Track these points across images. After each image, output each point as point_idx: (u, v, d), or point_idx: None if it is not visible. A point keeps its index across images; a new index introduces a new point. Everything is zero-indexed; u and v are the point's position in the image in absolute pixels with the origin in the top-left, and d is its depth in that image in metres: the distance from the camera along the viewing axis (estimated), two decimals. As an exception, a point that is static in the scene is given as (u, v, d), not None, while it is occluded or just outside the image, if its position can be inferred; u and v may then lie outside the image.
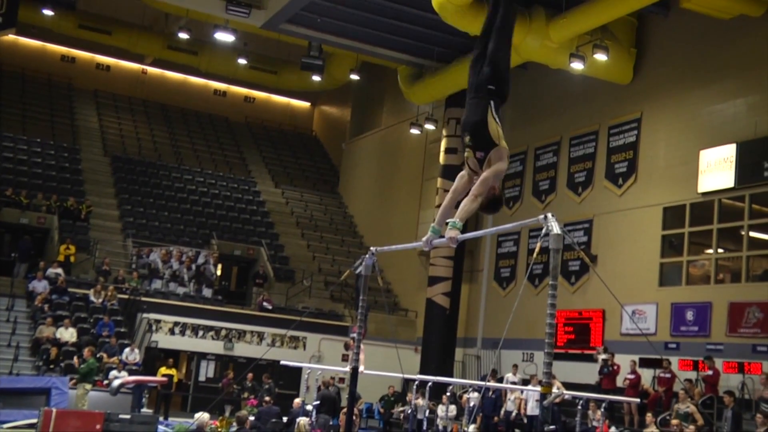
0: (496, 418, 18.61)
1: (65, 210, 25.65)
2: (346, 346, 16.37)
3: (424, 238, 6.33)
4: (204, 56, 30.95)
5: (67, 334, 20.04)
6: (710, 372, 16.06)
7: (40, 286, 21.78)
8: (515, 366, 19.80)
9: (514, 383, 18.77)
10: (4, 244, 24.95)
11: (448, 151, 24.40)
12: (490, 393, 18.37)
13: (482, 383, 16.15)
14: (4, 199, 24.80)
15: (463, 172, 6.08)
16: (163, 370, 20.71)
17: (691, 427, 13.80)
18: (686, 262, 18.52)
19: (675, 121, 19.31)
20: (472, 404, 16.54)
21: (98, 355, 19.46)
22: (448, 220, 6.11)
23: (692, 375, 16.68)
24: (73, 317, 20.86)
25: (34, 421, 16.04)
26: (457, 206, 6.03)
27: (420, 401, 17.10)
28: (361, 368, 13.27)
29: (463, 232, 6.21)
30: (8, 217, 24.49)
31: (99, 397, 17.65)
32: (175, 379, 21.34)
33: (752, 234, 17.30)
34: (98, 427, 15.76)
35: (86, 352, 18.35)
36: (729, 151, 17.44)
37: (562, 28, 18.66)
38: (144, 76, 36.31)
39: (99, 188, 28.60)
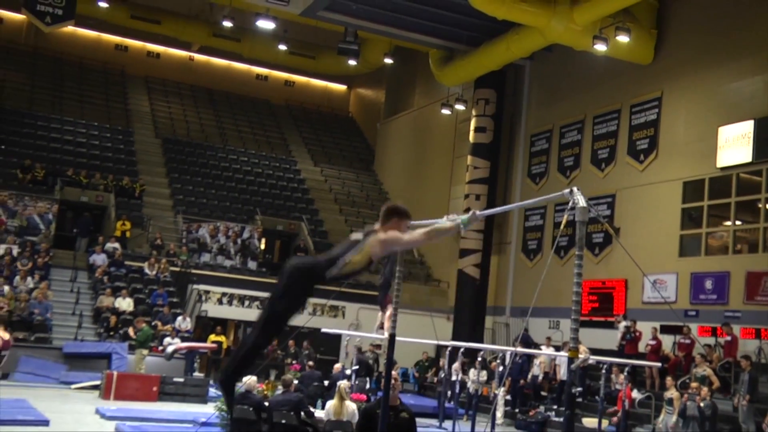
0: (522, 381, 18.65)
1: (121, 189, 25.99)
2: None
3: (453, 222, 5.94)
4: (246, 43, 31.02)
5: (125, 304, 20.40)
6: (728, 338, 15.93)
7: (99, 259, 22.17)
8: (548, 338, 19.67)
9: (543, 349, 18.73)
10: (66, 221, 25.36)
11: (477, 129, 24.29)
12: (518, 358, 18.38)
13: (511, 348, 16.17)
14: (66, 179, 25.19)
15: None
16: (212, 337, 21.01)
17: (705, 389, 13.72)
18: (705, 234, 18.32)
19: (694, 99, 19.02)
20: (500, 369, 16.57)
21: (153, 323, 19.81)
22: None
23: (711, 341, 16.55)
24: (129, 288, 21.21)
25: (98, 383, 16.44)
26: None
27: (456, 366, 17.13)
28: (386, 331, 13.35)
29: (492, 207, 6.15)
30: (69, 196, 24.88)
31: (155, 362, 18.02)
32: (224, 346, 21.64)
33: (769, 206, 17.07)
34: (155, 389, 16.12)
35: (138, 322, 18.63)
36: (746, 127, 17.18)
37: (586, 12, 18.44)
38: (191, 63, 36.49)
39: (151, 168, 28.91)
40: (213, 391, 16.86)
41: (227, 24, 26.96)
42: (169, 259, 23.23)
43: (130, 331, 18.92)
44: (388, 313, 13.13)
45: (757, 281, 16.51)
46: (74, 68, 33.40)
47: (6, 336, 14.32)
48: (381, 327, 14.91)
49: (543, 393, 18.39)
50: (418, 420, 17.37)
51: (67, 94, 31.65)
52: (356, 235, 5.39)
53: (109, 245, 22.76)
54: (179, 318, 20.34)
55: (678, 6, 19.65)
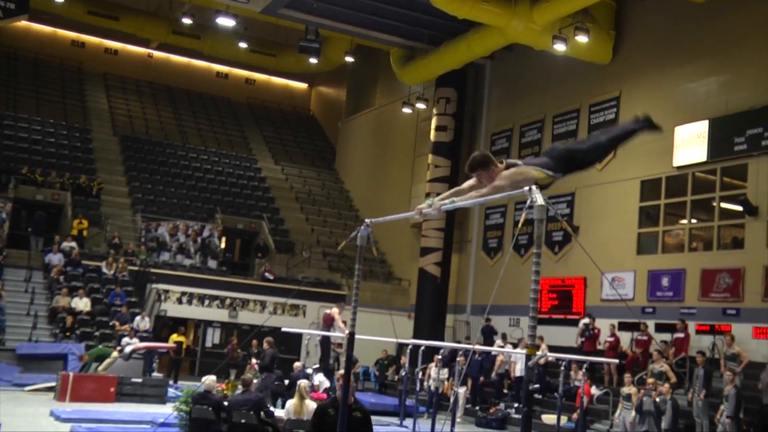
0: (482, 379, 18.75)
1: (78, 187, 25.58)
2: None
3: (417, 207, 6.25)
4: (207, 40, 30.72)
5: (82, 304, 20.08)
6: (681, 334, 16.18)
7: (55, 258, 21.78)
8: (504, 334, 19.86)
9: (501, 347, 18.86)
10: (21, 220, 24.88)
11: (438, 128, 24.36)
12: (477, 356, 18.47)
13: (470, 347, 16.23)
14: (21, 176, 24.72)
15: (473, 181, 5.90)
16: (174, 337, 20.77)
17: (666, 385, 13.94)
18: (662, 232, 18.59)
19: (651, 99, 19.27)
20: (459, 368, 16.65)
21: (111, 323, 19.51)
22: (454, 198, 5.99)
23: (667, 337, 16.80)
24: (87, 288, 20.88)
25: (53, 384, 16.13)
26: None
27: (433, 371, 17.10)
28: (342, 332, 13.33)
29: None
30: (24, 194, 24.43)
31: (113, 364, 17.69)
32: (184, 346, 21.41)
33: (723, 205, 17.36)
34: (112, 390, 15.87)
35: (83, 358, 17.37)
36: (702, 127, 17.47)
37: (546, 11, 18.58)
38: (150, 60, 36.06)
39: (109, 166, 28.50)
40: (172, 392, 16.66)
41: (187, 21, 26.64)
42: (128, 259, 22.92)
43: (83, 360, 17.92)
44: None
45: (711, 278, 16.81)
46: (29, 64, 32.79)
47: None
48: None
49: (504, 390, 18.50)
50: (379, 418, 17.40)
51: (21, 90, 31.05)
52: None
53: (66, 244, 22.37)
54: (138, 318, 20.08)
55: (636, 7, 19.91)
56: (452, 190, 6.15)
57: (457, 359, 16.07)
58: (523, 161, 6.01)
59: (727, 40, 17.46)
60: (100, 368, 16.90)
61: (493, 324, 20.79)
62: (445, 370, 17.99)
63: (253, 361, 16.91)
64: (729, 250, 17.00)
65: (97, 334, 19.36)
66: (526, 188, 5.65)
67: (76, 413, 13.22)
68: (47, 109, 30.48)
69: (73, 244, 22.50)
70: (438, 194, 5.96)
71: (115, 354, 17.37)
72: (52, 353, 18.08)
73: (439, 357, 17.67)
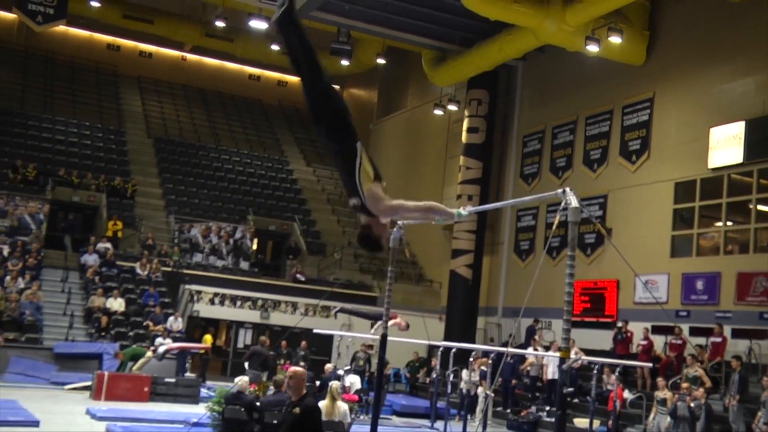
0: (514, 381, 18.65)
1: (113, 189, 25.90)
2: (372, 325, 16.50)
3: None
4: (239, 43, 30.96)
5: (116, 304, 20.33)
6: (718, 338, 15.97)
7: (90, 259, 22.09)
8: (533, 339, 19.72)
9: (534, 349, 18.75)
10: (58, 221, 25.28)
11: (470, 130, 24.29)
12: (509, 358, 18.37)
13: (503, 349, 16.15)
14: (57, 178, 25.10)
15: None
16: (208, 337, 20.92)
17: (701, 389, 13.75)
18: (696, 235, 18.36)
19: (686, 100, 19.06)
20: (483, 369, 16.59)
21: (144, 323, 19.73)
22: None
23: (702, 341, 16.57)
24: (121, 288, 21.14)
25: (89, 383, 16.36)
26: None
27: (464, 373, 17.03)
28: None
29: (484, 204, 6.17)
30: (61, 196, 24.80)
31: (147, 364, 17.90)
32: (209, 344, 21.50)
33: (760, 207, 17.09)
34: (146, 389, 16.05)
35: (119, 356, 17.76)
36: (738, 128, 17.20)
37: (579, 12, 18.44)
38: (184, 63, 36.39)
39: (143, 168, 28.82)
40: (204, 392, 16.80)
41: (220, 24, 26.90)
42: (161, 259, 23.16)
43: (119, 358, 18.09)
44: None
45: (747, 282, 16.54)
46: (66, 68, 33.26)
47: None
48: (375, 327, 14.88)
49: (536, 393, 18.39)
50: (410, 420, 17.36)
51: (58, 93, 31.52)
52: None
53: (101, 245, 22.67)
54: (171, 318, 20.27)
55: (670, 7, 19.68)
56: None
57: (488, 361, 16.02)
58: (348, 190, 5.45)
59: (764, 40, 17.18)
60: (135, 367, 17.11)
61: (522, 331, 20.65)
62: (477, 372, 17.93)
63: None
64: (766, 254, 16.73)
65: (131, 334, 19.58)
66: (559, 191, 5.63)
67: (111, 412, 13.40)
68: (83, 111, 30.92)
69: (108, 245, 22.80)
70: (470, 197, 5.96)
71: (149, 354, 17.57)
72: (87, 352, 18.34)
73: (471, 359, 17.57)
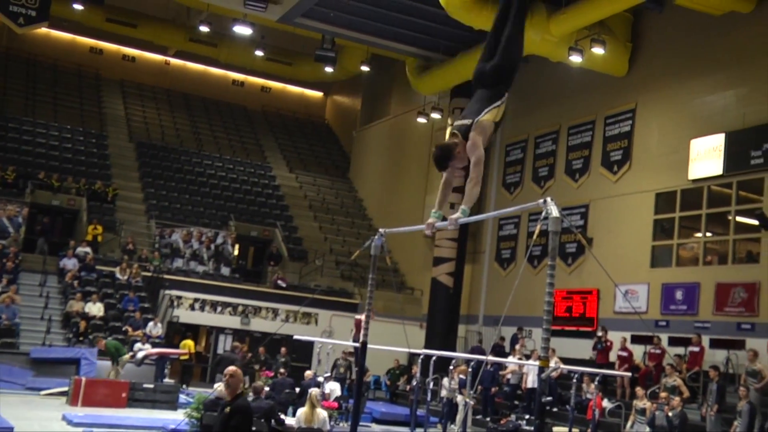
0: (494, 390, 18.67)
1: (93, 193, 25.74)
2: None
3: (426, 222, 6.30)
4: (223, 48, 30.90)
5: (95, 309, 20.17)
6: (697, 348, 16.07)
7: (70, 263, 21.91)
8: (514, 348, 19.78)
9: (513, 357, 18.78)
10: (37, 225, 25.05)
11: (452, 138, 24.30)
12: (489, 366, 18.40)
13: (483, 357, 16.16)
14: (37, 181, 24.89)
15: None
16: (185, 342, 20.81)
17: (677, 398, 13.83)
18: (676, 245, 18.48)
19: (667, 111, 19.21)
20: (462, 377, 16.59)
21: (123, 329, 19.58)
22: (461, 206, 6.07)
23: (680, 351, 16.68)
24: (100, 293, 20.99)
25: (66, 389, 16.20)
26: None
27: (445, 381, 17.01)
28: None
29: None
30: (41, 199, 24.60)
31: (125, 368, 17.78)
32: (192, 350, 21.41)
33: (739, 219, 17.24)
34: (124, 395, 15.92)
35: (99, 342, 17.98)
36: (718, 140, 17.35)
37: (562, 23, 18.55)
38: (167, 67, 36.28)
39: (125, 172, 28.65)
40: (183, 398, 16.69)
41: (204, 29, 26.84)
42: (141, 264, 23.02)
43: (99, 345, 18.26)
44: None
45: (726, 292, 16.67)
46: (48, 71, 33.05)
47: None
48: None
49: (515, 402, 18.41)
50: (389, 428, 17.31)
51: (40, 96, 31.31)
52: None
53: (80, 249, 22.50)
54: (150, 323, 20.13)
55: (653, 20, 19.84)
56: (441, 193, 6.21)
57: (468, 369, 16.01)
58: (463, 113, 6.15)
59: (745, 53, 17.38)
60: (111, 374, 16.97)
61: (504, 336, 20.71)
62: (457, 380, 17.93)
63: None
64: (744, 264, 16.89)
65: (102, 348, 19.39)
66: (541, 201, 5.66)
67: (88, 418, 13.27)
68: (65, 115, 30.72)
69: (88, 249, 22.63)
70: (452, 205, 5.97)
71: (126, 357, 17.45)
72: (65, 357, 18.16)
73: (451, 367, 17.57)
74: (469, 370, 15.93)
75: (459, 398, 16.52)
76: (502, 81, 6.16)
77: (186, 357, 20.38)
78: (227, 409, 6.38)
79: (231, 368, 6.60)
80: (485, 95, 5.97)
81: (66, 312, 20.16)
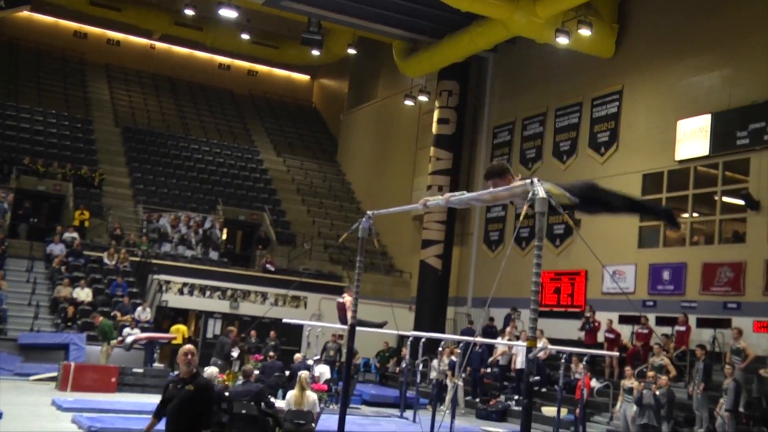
0: (482, 371, 18.79)
1: (79, 178, 25.58)
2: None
3: (422, 199, 6.35)
4: (209, 32, 30.71)
5: (83, 294, 20.11)
6: (683, 328, 16.21)
7: (57, 249, 21.81)
8: (504, 330, 19.89)
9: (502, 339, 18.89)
10: (20, 210, 24.89)
11: (440, 121, 24.35)
12: (478, 348, 18.50)
13: (471, 338, 16.24)
14: (22, 167, 24.72)
15: None
16: (181, 328, 20.83)
17: (664, 377, 13.96)
18: (663, 226, 18.57)
19: (654, 93, 19.26)
20: (452, 359, 16.69)
21: (112, 314, 19.55)
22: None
23: (668, 330, 16.81)
24: (88, 278, 20.91)
25: (55, 374, 16.18)
26: None
27: (435, 362, 17.05)
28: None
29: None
30: (26, 185, 24.44)
31: (114, 352, 17.79)
32: (187, 335, 21.38)
33: (725, 199, 17.35)
34: (113, 380, 15.93)
35: (95, 317, 18.30)
36: (704, 121, 17.44)
37: (549, 5, 18.55)
38: (152, 51, 36.02)
39: (111, 157, 28.49)
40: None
41: (189, 12, 26.64)
42: (129, 249, 22.96)
43: (96, 322, 18.47)
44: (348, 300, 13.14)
45: (712, 272, 16.81)
46: (31, 55, 32.74)
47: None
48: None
49: (504, 383, 18.53)
50: (379, 410, 17.40)
51: (23, 81, 31.02)
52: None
53: (67, 235, 22.39)
54: (139, 308, 20.10)
55: (639, 1, 19.86)
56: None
57: (458, 351, 16.09)
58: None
59: (731, 35, 17.44)
60: (103, 357, 16.97)
61: (494, 317, 20.82)
62: (446, 361, 18.04)
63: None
64: (730, 244, 17.03)
65: (98, 324, 19.37)
66: (528, 181, 5.67)
67: (77, 403, 13.27)
68: (49, 99, 30.47)
69: (75, 234, 22.52)
70: (440, 187, 6.04)
71: (113, 342, 17.43)
72: (53, 343, 18.12)
73: (440, 349, 17.64)
74: (458, 351, 16.02)
75: (448, 380, 16.62)
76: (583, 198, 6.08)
77: (179, 341, 20.36)
78: (189, 387, 6.34)
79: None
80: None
81: (54, 297, 20.09)
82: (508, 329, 19.32)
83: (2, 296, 19.08)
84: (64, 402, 13.26)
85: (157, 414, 6.46)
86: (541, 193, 5.51)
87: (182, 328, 20.92)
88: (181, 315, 23.26)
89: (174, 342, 20.38)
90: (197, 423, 6.34)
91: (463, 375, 17.56)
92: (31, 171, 24.81)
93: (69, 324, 19.07)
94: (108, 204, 25.48)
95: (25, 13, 29.23)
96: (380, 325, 13.56)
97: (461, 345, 15.93)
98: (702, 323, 16.45)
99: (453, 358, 16.77)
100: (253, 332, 20.31)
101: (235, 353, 16.73)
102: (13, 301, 19.62)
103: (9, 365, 17.16)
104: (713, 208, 17.63)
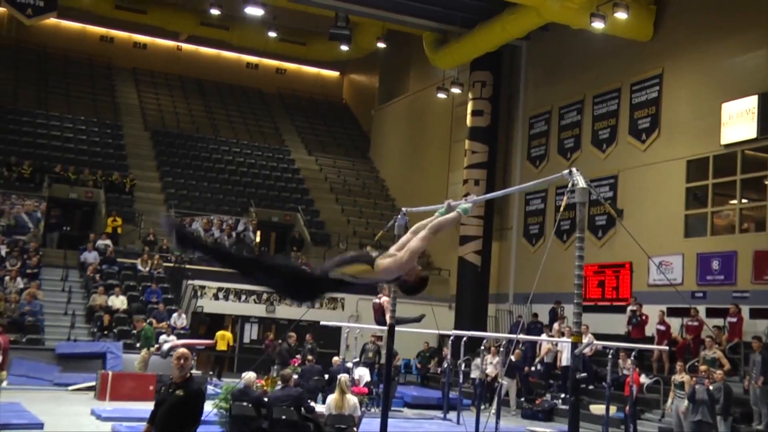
0: (527, 369, 18.66)
1: (111, 184, 25.90)
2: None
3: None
4: (235, 31, 30.89)
5: (118, 302, 20.37)
6: (734, 319, 15.91)
7: (90, 257, 22.12)
8: (548, 326, 19.72)
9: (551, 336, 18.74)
10: (51, 218, 25.27)
11: (474, 113, 24.22)
12: (522, 345, 18.37)
13: (514, 336, 16.15)
14: (54, 175, 25.10)
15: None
16: (221, 333, 21.06)
17: (719, 372, 13.71)
18: (711, 213, 18.29)
19: (696, 75, 18.96)
20: (496, 360, 16.60)
21: (148, 321, 19.78)
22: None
23: (719, 322, 16.53)
24: (123, 285, 21.17)
25: (93, 384, 16.42)
26: None
27: (477, 361, 17.01)
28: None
29: (491, 191, 6.18)
30: (58, 193, 24.80)
31: (151, 360, 17.96)
32: (231, 342, 21.67)
33: (775, 183, 17.02)
34: (151, 388, 16.08)
35: (138, 322, 18.65)
36: (751, 102, 17.11)
37: (583, -12, 18.35)
38: (179, 53, 36.34)
39: (141, 162, 28.82)
40: (211, 389, 16.84)
41: (215, 12, 26.83)
42: (163, 255, 23.18)
43: (138, 327, 18.77)
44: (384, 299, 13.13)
45: (764, 260, 16.49)
46: (59, 62, 33.25)
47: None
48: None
49: (550, 381, 18.40)
50: (422, 412, 17.36)
51: (52, 88, 31.51)
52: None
53: (101, 242, 22.71)
54: (174, 315, 20.31)
55: (677, -20, 19.57)
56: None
57: (500, 350, 16.02)
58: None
59: (776, 11, 17.08)
60: (136, 364, 17.16)
61: (537, 313, 20.67)
62: (492, 360, 17.97)
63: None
64: (782, 230, 16.70)
65: (134, 332, 19.63)
66: (566, 172, 5.61)
67: (116, 412, 13.45)
68: (78, 106, 30.91)
69: (108, 242, 22.83)
70: (476, 181, 5.95)
71: (144, 353, 17.54)
72: (90, 352, 18.38)
73: (482, 348, 17.57)
74: (502, 349, 15.93)
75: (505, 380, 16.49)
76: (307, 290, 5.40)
77: (223, 347, 20.68)
78: (180, 392, 6.37)
79: (183, 350, 6.61)
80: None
81: (89, 306, 20.38)
82: (556, 325, 19.16)
83: (39, 306, 19.41)
84: (104, 411, 13.45)
85: (152, 419, 6.51)
86: (581, 183, 5.46)
87: (227, 334, 21.21)
88: (217, 320, 23.45)
89: (218, 348, 20.69)
90: (184, 429, 6.38)
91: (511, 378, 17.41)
92: (63, 179, 25.18)
93: (105, 332, 19.32)
94: (140, 209, 25.78)
95: (52, 21, 29.66)
96: (418, 320, 13.55)
97: (505, 343, 15.84)
98: (755, 314, 16.15)
99: (513, 357, 16.62)
100: (293, 336, 20.44)
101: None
102: (49, 311, 19.95)
103: (48, 375, 17.45)
104: (763, 193, 17.29)
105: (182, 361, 6.43)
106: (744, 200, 17.91)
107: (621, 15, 18.45)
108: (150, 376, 16.43)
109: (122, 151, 28.97)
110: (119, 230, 24.16)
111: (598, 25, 18.69)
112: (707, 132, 18.06)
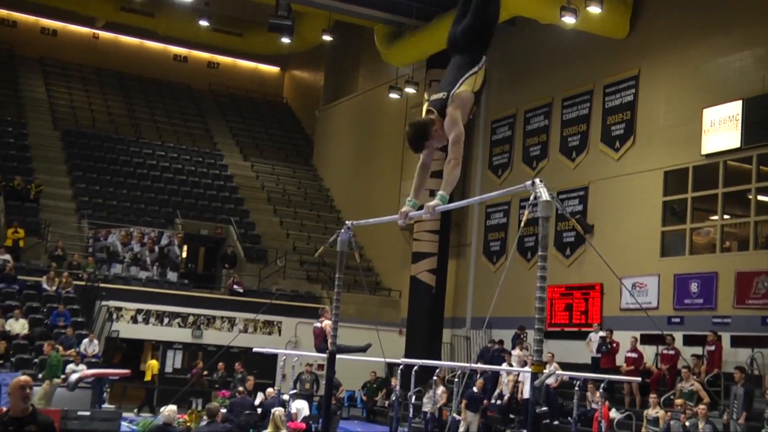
0: (486, 402, 18.70)
1: (12, 190, 25.41)
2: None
3: (400, 211, 6.26)
4: (162, 18, 30.62)
5: (18, 326, 19.92)
6: (713, 347, 16.12)
7: (-14, 274, 21.63)
8: (509, 353, 19.84)
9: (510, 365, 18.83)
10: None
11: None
12: (477, 375, 18.42)
13: (470, 365, 16.21)
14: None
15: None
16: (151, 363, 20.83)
17: (702, 406, 13.86)
18: (690, 230, 18.59)
19: (676, 77, 19.30)
20: (440, 389, 16.65)
21: (55, 347, 19.38)
22: (439, 192, 6.03)
23: (698, 351, 16.77)
24: (24, 307, 20.73)
25: (-15, 420, 15.93)
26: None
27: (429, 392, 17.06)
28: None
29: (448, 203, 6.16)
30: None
31: (55, 394, 17.56)
32: (155, 371, 21.45)
33: (760, 198, 17.37)
34: (55, 425, 15.69)
35: (46, 347, 18.24)
36: (735, 108, 17.45)
37: (552, -21, 18.59)
38: (95, 41, 35.94)
39: (49, 165, 28.35)
40: (125, 425, 16.53)
41: (138, -5, 26.60)
42: (73, 272, 22.79)
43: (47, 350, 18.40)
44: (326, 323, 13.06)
45: (748, 282, 16.79)
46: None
47: None
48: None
49: (511, 416, 18.47)
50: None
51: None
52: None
53: (-1, 257, 22.23)
54: (85, 340, 19.96)
55: (655, -28, 19.95)
56: (417, 178, 6.19)
57: (455, 380, 16.03)
58: (439, 86, 6.12)
59: (764, 8, 17.48)
60: (36, 399, 16.75)
61: (503, 339, 20.76)
62: (442, 391, 17.99)
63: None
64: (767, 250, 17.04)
65: (36, 361, 19.18)
66: (528, 183, 5.62)
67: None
68: (-24, 100, 30.35)
69: (7, 256, 22.29)
70: (431, 192, 5.92)
71: (46, 385, 17.12)
72: (-18, 385, 17.90)
73: (435, 378, 17.58)
74: (456, 380, 15.94)
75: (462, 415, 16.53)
76: (477, 43, 6.15)
77: (148, 379, 20.42)
78: (31, 427, 6.24)
79: (25, 378, 6.48)
80: (460, 62, 5.99)
81: (-17, 331, 19.90)
82: (515, 352, 19.27)
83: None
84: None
85: None
86: (544, 196, 5.47)
87: (153, 363, 20.98)
88: (136, 347, 23.10)
89: (145, 380, 20.41)
90: None
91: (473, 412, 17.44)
92: (-44, 184, 24.66)
93: (1, 362, 18.86)
94: (47, 220, 25.31)
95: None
96: (363, 349, 13.50)
97: (459, 373, 15.85)
98: (737, 342, 16.40)
99: (475, 389, 16.64)
100: (221, 365, 20.22)
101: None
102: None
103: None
104: (747, 208, 17.65)
105: (27, 391, 6.29)
106: (726, 216, 18.24)
107: (594, 9, 18.71)
108: (53, 411, 16.00)
109: (26, 152, 28.43)
110: (21, 243, 23.66)
111: (568, 19, 18.92)
112: (687, 140, 18.38)
